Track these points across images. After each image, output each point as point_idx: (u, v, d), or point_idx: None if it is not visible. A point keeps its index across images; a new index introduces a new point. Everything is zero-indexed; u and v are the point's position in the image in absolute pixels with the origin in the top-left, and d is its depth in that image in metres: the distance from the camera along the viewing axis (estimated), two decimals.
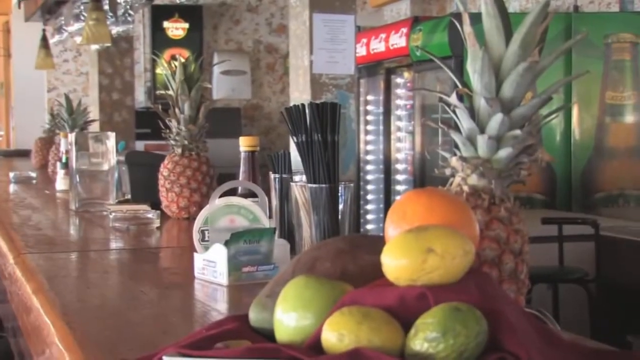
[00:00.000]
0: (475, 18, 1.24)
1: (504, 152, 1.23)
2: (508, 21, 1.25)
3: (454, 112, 1.28)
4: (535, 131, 1.25)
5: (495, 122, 1.23)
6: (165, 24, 8.45)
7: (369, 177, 7.23)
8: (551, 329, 1.16)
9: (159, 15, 8.40)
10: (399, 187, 6.69)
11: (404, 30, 6.22)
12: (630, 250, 4.20)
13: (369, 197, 7.24)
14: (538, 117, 1.27)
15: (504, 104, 1.23)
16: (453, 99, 1.27)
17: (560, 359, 1.02)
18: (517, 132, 1.23)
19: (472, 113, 1.26)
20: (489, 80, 1.23)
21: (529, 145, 1.25)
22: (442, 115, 5.26)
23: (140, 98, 8.25)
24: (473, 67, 1.24)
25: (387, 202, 6.70)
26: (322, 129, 1.64)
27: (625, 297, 4.31)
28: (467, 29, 1.25)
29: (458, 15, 1.28)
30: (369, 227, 7.17)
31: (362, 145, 7.13)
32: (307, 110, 1.65)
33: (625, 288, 4.26)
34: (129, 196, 3.15)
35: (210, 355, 1.01)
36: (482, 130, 1.24)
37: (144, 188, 2.98)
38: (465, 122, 1.26)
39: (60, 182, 3.96)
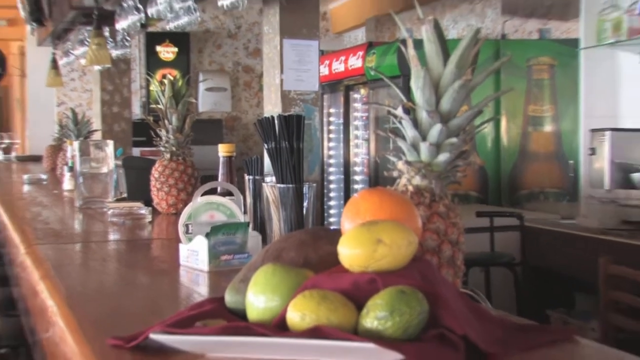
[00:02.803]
0: (419, 43, 1.24)
1: (443, 157, 1.23)
2: (446, 46, 1.24)
3: (401, 122, 1.27)
4: (469, 139, 1.25)
5: (435, 131, 1.22)
6: (158, 48, 8.40)
7: (332, 177, 7.23)
8: (483, 307, 1.15)
9: (152, 40, 8.34)
10: (356, 186, 6.69)
11: (361, 53, 6.22)
12: (550, 238, 4.24)
13: (332, 194, 7.24)
14: (471, 127, 1.26)
15: (442, 115, 1.22)
16: (399, 111, 1.26)
17: (489, 332, 1.02)
18: (454, 139, 1.22)
19: (416, 123, 1.25)
20: (429, 96, 1.22)
21: (463, 151, 1.25)
22: (392, 125, 5.26)
23: (136, 111, 8.18)
24: (416, 85, 1.23)
25: (347, 199, 6.68)
26: (289, 137, 1.62)
27: (545, 278, 4.35)
28: (411, 52, 1.25)
29: (405, 41, 1.28)
30: (332, 219, 7.17)
31: (325, 151, 7.13)
32: (276, 122, 1.64)
33: (545, 270, 4.30)
34: (125, 195, 3.11)
35: (190, 333, 1.00)
36: (424, 138, 1.24)
37: (138, 188, 2.95)
38: (409, 131, 1.25)
39: (67, 183, 3.93)
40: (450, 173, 1.25)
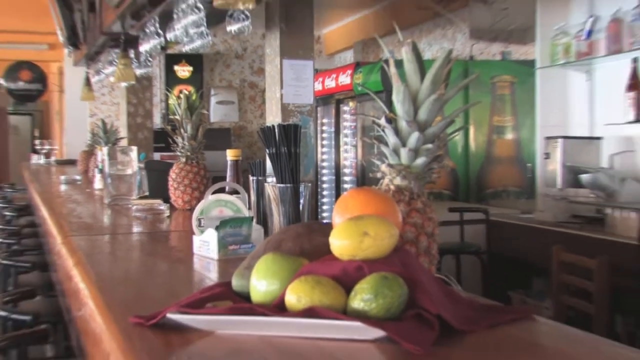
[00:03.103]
0: (400, 63, 1.23)
1: (420, 161, 1.22)
2: (422, 65, 1.23)
3: (384, 130, 1.26)
4: (443, 145, 1.24)
5: (414, 138, 1.21)
6: (175, 67, 8.39)
7: (324, 178, 7.22)
8: (454, 290, 1.14)
9: (170, 60, 8.33)
10: (346, 186, 6.68)
11: (349, 71, 6.21)
12: (511, 230, 4.24)
13: (325, 193, 7.22)
14: (445, 135, 1.25)
15: (419, 125, 1.21)
16: (383, 121, 1.25)
17: (460, 312, 1.01)
18: (429, 145, 1.21)
19: (397, 132, 1.24)
20: (408, 108, 1.21)
21: (438, 155, 1.24)
22: (376, 133, 5.26)
23: (157, 121, 8.15)
24: (397, 98, 1.22)
25: (338, 197, 6.67)
26: (288, 143, 1.61)
27: (507, 264, 4.34)
28: (392, 70, 1.24)
29: (387, 61, 1.27)
30: (325, 215, 7.15)
31: (319, 155, 7.11)
32: (276, 130, 1.62)
33: (507, 257, 4.30)
34: (147, 193, 3.10)
35: (202, 312, 0.99)
36: (404, 144, 1.23)
37: (158, 187, 2.94)
38: (391, 138, 1.24)
39: (97, 183, 3.91)
40: (426, 174, 1.24)
